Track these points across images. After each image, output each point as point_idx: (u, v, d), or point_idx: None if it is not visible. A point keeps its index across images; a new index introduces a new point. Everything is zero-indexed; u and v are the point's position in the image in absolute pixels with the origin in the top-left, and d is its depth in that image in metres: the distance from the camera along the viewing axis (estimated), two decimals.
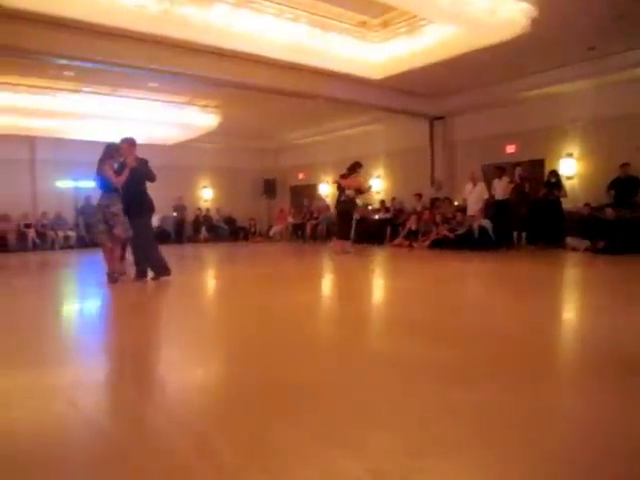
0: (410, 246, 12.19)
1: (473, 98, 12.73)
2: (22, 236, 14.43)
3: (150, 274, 6.84)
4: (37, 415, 2.34)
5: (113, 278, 6.63)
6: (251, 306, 5.06)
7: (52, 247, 14.61)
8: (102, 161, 6.62)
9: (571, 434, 2.06)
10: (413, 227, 12.57)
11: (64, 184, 15.15)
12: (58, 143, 14.73)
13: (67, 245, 14.73)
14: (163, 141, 15.61)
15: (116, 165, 6.68)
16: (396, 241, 12.78)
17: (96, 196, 7.01)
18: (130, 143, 6.69)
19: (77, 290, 6.70)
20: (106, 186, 6.60)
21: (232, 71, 10.04)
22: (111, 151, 6.65)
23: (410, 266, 8.99)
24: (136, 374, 2.96)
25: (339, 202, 10.98)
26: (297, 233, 17.19)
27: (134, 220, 6.60)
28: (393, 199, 14.78)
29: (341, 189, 10.94)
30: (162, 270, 6.80)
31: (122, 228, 6.52)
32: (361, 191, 11.19)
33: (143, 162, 6.79)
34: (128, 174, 6.56)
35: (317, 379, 2.71)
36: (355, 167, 10.92)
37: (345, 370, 2.86)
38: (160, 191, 14.20)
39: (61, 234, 14.91)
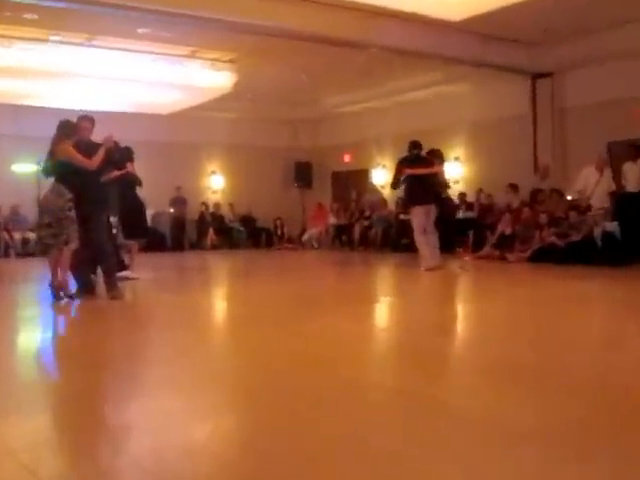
0: (502, 257, 12.01)
1: (594, 46, 12.43)
2: None
3: (102, 289, 7.37)
4: None
5: (59, 294, 6.98)
6: (275, 339, 5.06)
7: (6, 254, 14.92)
8: (57, 142, 7.02)
9: None
10: (507, 231, 12.40)
11: (23, 168, 15.33)
12: (16, 112, 15.04)
13: (26, 252, 14.93)
14: (156, 109, 15.82)
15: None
16: (483, 250, 12.63)
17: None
18: (92, 121, 7.43)
19: (35, 314, 6.84)
20: (62, 174, 6.96)
21: (253, 11, 10.09)
22: (67, 130, 7.11)
23: (503, 286, 8.86)
24: (119, 430, 2.96)
25: (439, 198, 10.73)
26: (340, 238, 17.15)
27: (89, 219, 7.07)
28: (478, 191, 14.61)
29: (424, 179, 10.62)
30: (116, 287, 7.35)
31: (74, 235, 6.88)
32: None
33: (97, 146, 7.28)
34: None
35: (369, 443, 2.67)
36: (417, 145, 10.72)
37: (408, 431, 2.82)
38: (152, 178, 14.57)
39: (18, 236, 15.19)
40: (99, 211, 7.30)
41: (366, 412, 3.14)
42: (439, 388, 3.65)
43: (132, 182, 9.19)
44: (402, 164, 10.74)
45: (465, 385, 3.75)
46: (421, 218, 10.39)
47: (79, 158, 6.94)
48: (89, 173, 7.03)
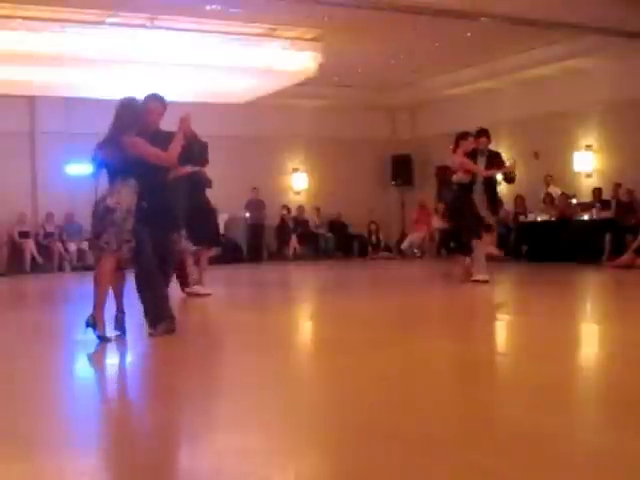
0: None
1: None
2: (16, 250, 15.37)
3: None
4: None
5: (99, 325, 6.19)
6: (372, 366, 4.99)
7: (60, 267, 15.48)
8: (121, 130, 6.32)
9: None
10: None
11: (78, 170, 15.56)
12: (68, 106, 15.62)
13: (83, 265, 15.34)
14: (228, 98, 16.01)
15: None
16: (622, 258, 12.47)
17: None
18: (163, 102, 6.69)
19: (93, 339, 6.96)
20: (119, 170, 6.30)
21: None
22: (134, 115, 6.44)
23: None
24: (188, 474, 2.96)
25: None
26: (447, 245, 16.90)
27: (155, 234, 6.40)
28: (616, 186, 14.35)
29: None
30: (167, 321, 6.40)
31: (113, 236, 6.08)
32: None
33: (169, 136, 6.48)
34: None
35: None
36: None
37: None
38: (225, 179, 14.69)
39: (73, 247, 15.72)
40: (166, 229, 6.66)
41: (488, 458, 2.96)
42: (583, 428, 3.49)
43: (202, 183, 8.96)
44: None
45: (608, 426, 3.53)
46: None
47: (154, 153, 6.26)
48: (157, 181, 6.43)
